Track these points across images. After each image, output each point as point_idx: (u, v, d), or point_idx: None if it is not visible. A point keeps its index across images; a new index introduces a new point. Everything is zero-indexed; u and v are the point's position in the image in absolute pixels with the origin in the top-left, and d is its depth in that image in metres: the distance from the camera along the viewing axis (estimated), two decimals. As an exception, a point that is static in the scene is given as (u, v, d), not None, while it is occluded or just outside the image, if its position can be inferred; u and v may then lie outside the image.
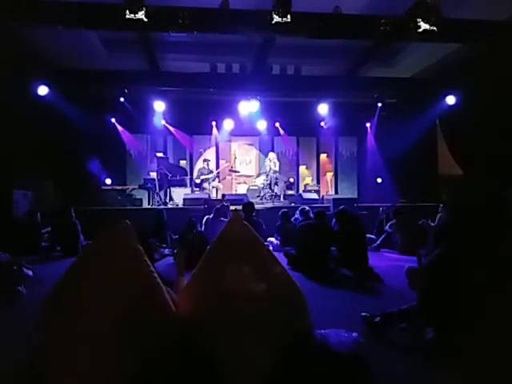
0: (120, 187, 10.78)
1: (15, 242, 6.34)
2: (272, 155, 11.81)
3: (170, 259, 6.14)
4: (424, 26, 6.45)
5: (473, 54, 8.54)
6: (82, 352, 1.94)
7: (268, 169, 11.44)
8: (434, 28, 6.45)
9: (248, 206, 6.82)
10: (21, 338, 2.61)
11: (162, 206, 9.82)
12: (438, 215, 7.38)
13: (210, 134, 12.78)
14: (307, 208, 7.02)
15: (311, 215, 6.25)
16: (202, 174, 11.42)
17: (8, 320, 3.30)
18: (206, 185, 11.24)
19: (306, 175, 13.41)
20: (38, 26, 7.15)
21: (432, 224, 7.20)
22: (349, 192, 13.17)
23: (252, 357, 2.04)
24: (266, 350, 2.11)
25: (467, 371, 2.27)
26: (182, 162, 12.92)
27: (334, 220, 7.01)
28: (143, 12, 6.02)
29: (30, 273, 4.28)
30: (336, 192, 13.36)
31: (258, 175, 12.48)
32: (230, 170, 12.53)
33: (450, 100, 10.74)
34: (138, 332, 2.08)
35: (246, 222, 2.55)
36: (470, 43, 8.10)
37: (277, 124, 12.70)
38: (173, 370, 2.21)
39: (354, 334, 2.51)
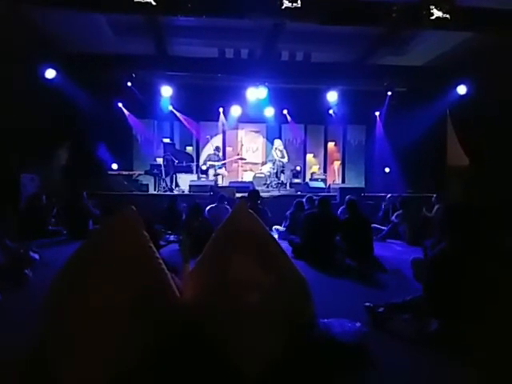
0: (126, 172, 10.81)
1: (21, 225, 6.39)
2: (278, 142, 11.72)
3: (176, 246, 6.17)
4: (437, 13, 6.32)
5: (486, 43, 8.36)
6: (85, 336, 1.96)
7: (275, 157, 11.38)
8: (447, 15, 6.32)
9: (253, 194, 6.79)
10: (26, 322, 2.64)
11: (168, 192, 9.84)
12: (436, 206, 7.38)
13: (217, 120, 12.70)
14: (314, 197, 6.99)
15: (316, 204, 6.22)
16: (210, 159, 11.39)
17: (14, 303, 3.33)
18: (211, 171, 11.23)
19: (313, 163, 13.33)
20: (46, 8, 7.09)
21: (428, 214, 7.20)
22: (356, 181, 13.08)
23: (255, 344, 2.05)
24: (268, 338, 2.12)
25: (470, 362, 2.26)
26: (189, 149, 12.90)
27: (340, 209, 7.00)
28: (152, -5, 5.96)
29: (37, 256, 4.31)
30: (343, 181, 13.28)
31: (265, 163, 12.43)
32: (238, 158, 12.52)
33: (461, 90, 10.57)
34: (142, 317, 2.09)
35: (251, 210, 2.54)
36: (483, 32, 7.93)
37: (285, 111, 12.58)
38: (176, 355, 2.23)
39: (358, 324, 2.51)
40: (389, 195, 8.19)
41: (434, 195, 7.97)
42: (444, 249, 2.53)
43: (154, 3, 6.01)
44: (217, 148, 11.70)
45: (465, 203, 2.61)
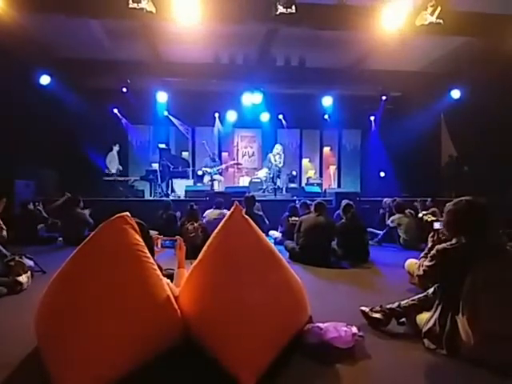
0: (122, 178, 10.78)
1: (16, 232, 6.34)
2: (278, 147, 11.69)
3: (172, 251, 6.13)
4: (430, 18, 6.36)
5: (480, 48, 8.44)
6: (80, 341, 1.94)
7: (274, 161, 11.38)
8: (440, 21, 6.36)
9: (249, 199, 6.78)
10: (21, 328, 2.62)
11: (164, 198, 9.82)
12: (431, 210, 7.35)
13: (213, 125, 12.74)
14: (309, 201, 6.99)
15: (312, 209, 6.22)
16: (207, 165, 11.39)
17: (9, 310, 3.31)
18: (207, 176, 11.23)
19: (308, 168, 13.37)
20: (40, 14, 7.10)
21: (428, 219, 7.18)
22: (352, 186, 13.14)
23: (252, 350, 2.04)
24: (265, 344, 2.11)
25: (469, 365, 2.27)
26: (184, 154, 12.90)
27: (336, 213, 7.01)
28: (146, 1, 5.97)
29: (31, 263, 4.28)
30: (339, 185, 13.33)
31: (261, 168, 12.44)
32: (234, 164, 12.54)
33: (455, 94, 10.66)
34: (137, 323, 2.08)
35: (246, 216, 2.53)
36: (477, 37, 8.00)
37: (280, 116, 12.63)
38: (171, 361, 2.22)
39: (354, 328, 2.51)
40: (385, 199, 8.20)
41: (429, 199, 8.00)
42: (466, 243, 2.48)
43: (148, 9, 6.03)
44: (213, 153, 11.70)
45: (483, 200, 2.57)
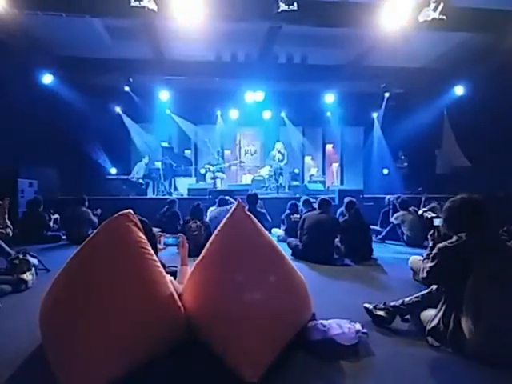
0: (125, 176, 10.81)
1: (20, 231, 6.37)
2: (279, 145, 11.73)
3: (175, 249, 6.15)
4: (433, 14, 6.33)
5: (483, 44, 8.39)
6: (85, 337, 1.94)
7: (276, 159, 11.38)
8: (443, 17, 6.33)
9: (252, 197, 6.77)
10: (26, 326, 2.63)
11: (167, 196, 9.84)
12: (431, 205, 7.29)
13: (215, 123, 12.73)
14: (311, 199, 6.99)
15: (315, 206, 6.21)
16: (210, 163, 11.40)
17: (13, 308, 3.32)
18: (209, 174, 11.23)
19: (311, 166, 13.35)
20: (42, 13, 7.09)
21: (428, 215, 7.12)
22: (354, 183, 13.09)
23: (255, 347, 2.04)
24: (268, 340, 2.11)
25: (474, 361, 2.26)
26: (187, 152, 12.90)
27: (339, 210, 7.00)
28: (148, -1, 5.98)
29: (36, 261, 4.30)
30: (341, 183, 13.31)
31: (263, 166, 12.44)
32: (237, 162, 12.56)
33: (459, 91, 10.61)
34: (141, 321, 2.08)
35: (249, 213, 2.53)
36: (480, 32, 7.96)
37: (282, 114, 12.61)
38: (176, 357, 2.23)
39: (357, 325, 2.51)
40: (388, 196, 8.18)
41: (425, 195, 7.96)
42: (466, 240, 2.47)
43: (150, 7, 6.02)
44: (217, 152, 11.71)
45: (479, 197, 2.56)
